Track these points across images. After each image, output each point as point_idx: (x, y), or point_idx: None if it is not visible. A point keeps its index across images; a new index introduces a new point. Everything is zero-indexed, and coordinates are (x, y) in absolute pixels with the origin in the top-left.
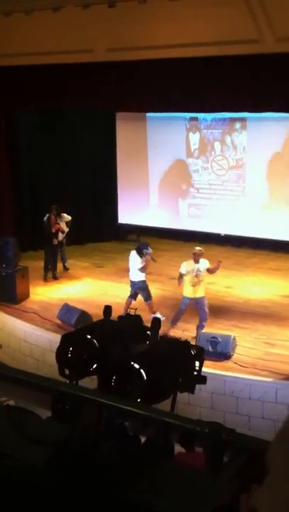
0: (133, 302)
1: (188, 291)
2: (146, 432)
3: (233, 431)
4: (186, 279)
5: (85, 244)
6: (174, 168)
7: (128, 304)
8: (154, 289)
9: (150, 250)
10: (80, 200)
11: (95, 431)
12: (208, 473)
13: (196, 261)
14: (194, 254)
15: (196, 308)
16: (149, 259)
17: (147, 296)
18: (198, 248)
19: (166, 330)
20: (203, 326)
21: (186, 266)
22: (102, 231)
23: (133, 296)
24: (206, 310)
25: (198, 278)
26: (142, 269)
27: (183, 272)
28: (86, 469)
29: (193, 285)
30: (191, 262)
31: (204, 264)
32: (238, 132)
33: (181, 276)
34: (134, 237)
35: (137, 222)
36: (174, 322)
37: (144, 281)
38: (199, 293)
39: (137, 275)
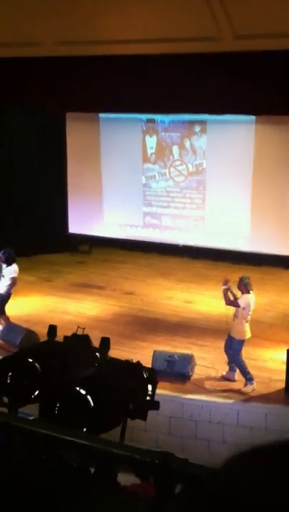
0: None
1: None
2: (89, 464)
3: (186, 461)
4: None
5: (32, 256)
6: (129, 173)
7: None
8: (108, 305)
9: None
10: (25, 209)
11: (23, 462)
12: (157, 505)
13: (239, 289)
14: None
15: None
16: None
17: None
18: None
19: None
20: (227, 379)
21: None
22: (50, 242)
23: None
24: (239, 358)
25: (233, 312)
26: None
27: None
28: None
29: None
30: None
31: (241, 300)
32: (198, 136)
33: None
34: (86, 249)
35: (89, 232)
36: (230, 363)
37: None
38: (234, 330)
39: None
